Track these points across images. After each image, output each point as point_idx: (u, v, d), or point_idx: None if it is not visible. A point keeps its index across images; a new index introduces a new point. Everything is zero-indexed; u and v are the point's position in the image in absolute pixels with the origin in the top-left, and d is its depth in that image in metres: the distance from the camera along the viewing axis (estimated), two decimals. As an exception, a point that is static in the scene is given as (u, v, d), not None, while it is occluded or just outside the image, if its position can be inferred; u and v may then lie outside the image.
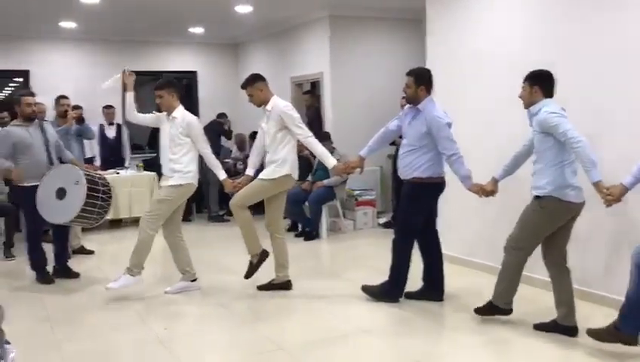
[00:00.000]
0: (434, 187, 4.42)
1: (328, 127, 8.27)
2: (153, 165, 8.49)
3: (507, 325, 3.97)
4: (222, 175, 5.00)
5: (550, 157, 3.65)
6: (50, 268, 5.49)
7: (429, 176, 4.34)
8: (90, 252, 6.57)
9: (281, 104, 4.78)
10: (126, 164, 8.76)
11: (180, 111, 4.91)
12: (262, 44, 10.30)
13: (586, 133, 3.55)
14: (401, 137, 4.61)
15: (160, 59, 10.57)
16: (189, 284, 5.00)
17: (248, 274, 4.89)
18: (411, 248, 4.49)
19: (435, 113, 4.29)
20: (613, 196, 3.37)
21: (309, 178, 7.37)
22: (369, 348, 3.79)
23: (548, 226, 3.76)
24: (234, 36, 10.60)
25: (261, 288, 4.93)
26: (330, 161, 4.74)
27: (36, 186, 5.07)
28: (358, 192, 7.77)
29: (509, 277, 3.88)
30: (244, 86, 4.88)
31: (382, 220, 7.89)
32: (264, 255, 4.91)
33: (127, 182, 8.07)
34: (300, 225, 7.48)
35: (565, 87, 4.02)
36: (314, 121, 8.39)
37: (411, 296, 4.59)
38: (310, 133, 4.77)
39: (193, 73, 10.81)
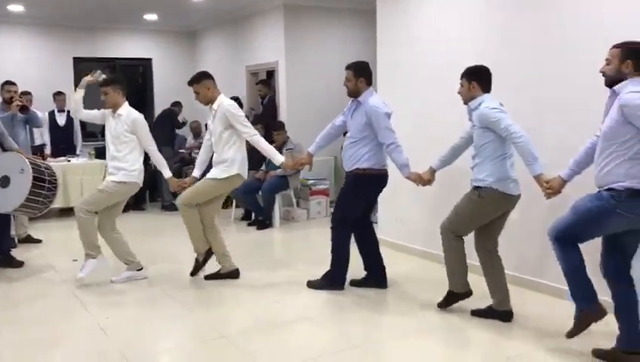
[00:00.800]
0: (375, 178, 4.48)
1: (283, 116, 8.28)
2: (104, 153, 8.38)
3: (446, 311, 4.08)
4: (167, 173, 4.97)
5: (490, 151, 3.74)
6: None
7: (369, 167, 4.40)
8: (38, 241, 6.46)
9: (226, 102, 4.76)
10: (77, 152, 8.61)
11: (126, 108, 4.86)
12: (218, 33, 10.23)
13: (527, 124, 3.67)
14: (346, 133, 4.67)
15: (114, 46, 10.41)
16: (135, 273, 4.97)
17: (194, 272, 4.97)
18: (350, 236, 4.57)
19: (373, 103, 4.37)
20: (552, 189, 3.46)
21: (263, 167, 7.38)
22: (311, 334, 3.84)
23: (484, 216, 3.85)
24: (190, 24, 10.49)
25: (208, 277, 4.94)
26: (278, 158, 4.76)
27: None
28: (311, 182, 7.82)
29: (454, 262, 3.96)
30: (190, 83, 4.84)
31: (335, 209, 7.95)
32: (209, 254, 4.95)
33: (79, 169, 7.95)
34: (253, 214, 7.49)
35: (508, 78, 4.13)
36: (269, 110, 8.39)
37: (356, 283, 4.67)
38: (255, 132, 4.75)
39: (148, 60, 10.68)
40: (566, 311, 3.53)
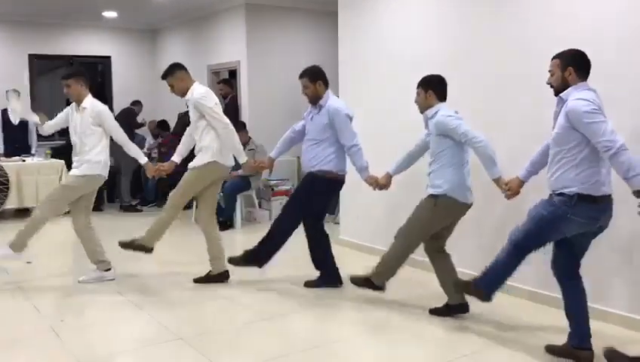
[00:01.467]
0: (334, 182, 4.52)
1: (245, 116, 8.23)
2: (62, 153, 8.19)
3: (400, 309, 4.13)
4: (143, 159, 4.88)
5: (448, 157, 3.80)
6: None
7: (330, 170, 4.43)
8: None
9: (197, 92, 4.65)
10: (32, 151, 8.40)
11: (89, 101, 4.77)
12: (179, 31, 10.11)
13: (488, 127, 3.77)
14: None
15: (72, 43, 10.18)
16: (104, 274, 4.87)
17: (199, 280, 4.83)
18: (292, 231, 4.58)
19: (335, 105, 4.40)
20: (512, 190, 3.54)
21: (224, 167, 7.31)
22: (268, 335, 3.83)
23: (438, 223, 3.92)
24: (150, 22, 10.34)
25: (198, 281, 4.82)
26: (242, 157, 4.70)
27: None
28: (274, 182, 7.78)
29: (392, 263, 4.02)
30: (164, 76, 4.76)
31: (297, 210, 7.94)
32: (148, 250, 4.76)
33: (34, 169, 7.75)
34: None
35: (466, 85, 4.20)
36: (230, 110, 8.32)
37: (311, 284, 4.68)
38: (226, 123, 4.60)
39: (107, 58, 10.47)
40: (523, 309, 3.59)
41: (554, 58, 3.20)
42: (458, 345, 3.60)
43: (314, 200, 4.55)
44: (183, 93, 4.73)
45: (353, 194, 5.19)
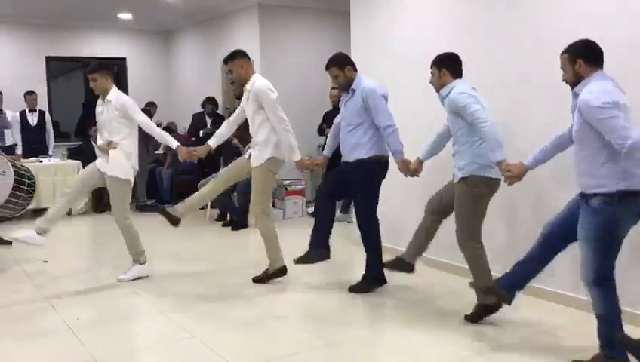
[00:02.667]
0: (384, 163, 4.36)
1: (258, 116, 8.24)
2: (79, 153, 8.29)
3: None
4: (174, 143, 4.79)
5: (466, 136, 3.71)
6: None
7: (375, 155, 4.29)
8: (7, 242, 6.35)
9: (260, 83, 4.55)
10: (50, 152, 8.50)
11: (114, 93, 4.77)
12: (192, 32, 10.17)
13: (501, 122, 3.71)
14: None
15: (88, 45, 10.29)
16: (142, 269, 4.93)
17: (258, 280, 4.78)
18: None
19: (368, 85, 4.26)
20: (512, 173, 3.38)
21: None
22: (282, 334, 3.85)
23: (483, 206, 3.79)
24: (164, 23, 10.42)
25: (256, 280, 4.79)
26: (297, 155, 4.55)
27: None
28: (287, 182, 7.80)
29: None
30: (225, 60, 4.76)
31: (311, 209, 7.95)
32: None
33: (51, 170, 7.85)
34: (228, 215, 7.45)
35: (479, 77, 4.18)
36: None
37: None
38: (285, 120, 4.50)
39: (122, 60, 10.57)
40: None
41: (562, 53, 3.10)
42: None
43: (370, 189, 4.37)
44: (241, 81, 4.70)
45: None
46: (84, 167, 8.08)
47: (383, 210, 4.53)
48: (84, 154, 8.21)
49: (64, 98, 10.81)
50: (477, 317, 3.80)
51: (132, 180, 4.79)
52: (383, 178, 4.46)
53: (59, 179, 7.74)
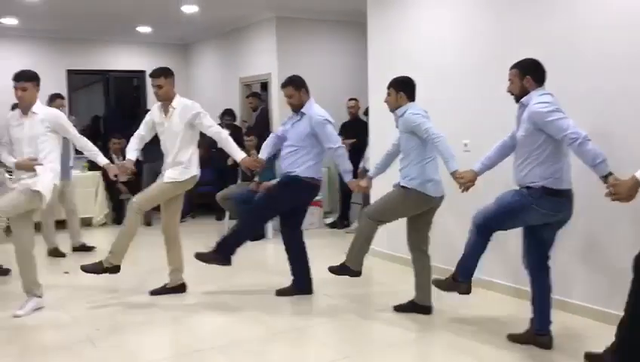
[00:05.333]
0: (311, 187, 4.67)
1: (276, 127, 8.29)
2: (98, 165, 8.35)
3: (369, 308, 4.20)
4: (102, 161, 4.61)
5: (414, 155, 4.05)
6: None
7: (308, 176, 4.58)
8: (91, 248, 6.53)
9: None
10: (70, 164, 8.58)
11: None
12: (211, 45, 10.28)
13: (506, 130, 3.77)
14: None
15: (107, 58, 10.45)
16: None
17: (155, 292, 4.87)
18: (255, 227, 4.81)
19: (319, 113, 4.59)
20: (465, 178, 3.74)
21: (256, 178, 7.39)
22: (300, 346, 3.83)
23: (406, 212, 4.18)
24: (182, 36, 10.54)
25: (154, 293, 4.87)
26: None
27: None
28: (304, 193, 7.81)
29: (362, 243, 4.21)
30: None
31: (328, 220, 7.97)
32: (116, 270, 4.65)
33: (72, 182, 7.92)
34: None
35: (492, 87, 4.18)
36: (261, 122, 8.42)
37: (282, 292, 4.80)
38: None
39: (142, 73, 10.70)
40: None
41: (512, 68, 3.51)
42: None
43: (286, 200, 4.65)
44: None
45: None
46: (104, 178, 8.21)
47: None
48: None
49: (84, 110, 10.96)
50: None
51: None
52: (310, 200, 4.85)
53: (80, 191, 7.80)
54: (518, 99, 3.51)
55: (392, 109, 4.20)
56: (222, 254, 4.61)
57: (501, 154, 3.76)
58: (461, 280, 3.70)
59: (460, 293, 3.73)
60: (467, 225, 3.70)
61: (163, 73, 4.65)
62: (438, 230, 4.43)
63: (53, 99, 6.41)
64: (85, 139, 4.62)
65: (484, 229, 3.58)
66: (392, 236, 5.53)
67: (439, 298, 4.30)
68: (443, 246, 4.69)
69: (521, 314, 3.87)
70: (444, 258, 4.54)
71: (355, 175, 6.37)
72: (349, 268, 4.26)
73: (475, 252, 3.64)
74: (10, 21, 8.69)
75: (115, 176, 4.69)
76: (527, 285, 3.73)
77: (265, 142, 4.91)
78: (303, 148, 4.56)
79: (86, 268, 4.63)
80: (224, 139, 4.69)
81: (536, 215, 3.43)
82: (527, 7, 4.46)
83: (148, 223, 7.92)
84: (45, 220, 6.31)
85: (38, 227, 5.23)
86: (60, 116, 4.53)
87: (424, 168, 4.05)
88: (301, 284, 4.82)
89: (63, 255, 6.35)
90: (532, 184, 3.40)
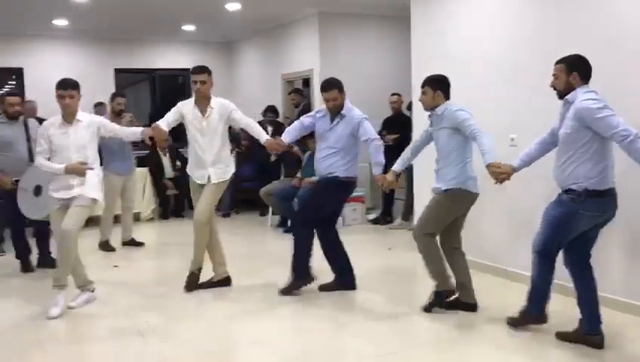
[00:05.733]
0: (349, 185, 4.72)
1: (318, 123, 8.31)
2: (146, 162, 8.53)
3: (413, 305, 4.16)
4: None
5: (455, 156, 4.03)
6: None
7: (349, 176, 4.63)
8: (141, 244, 6.72)
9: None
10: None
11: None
12: (253, 42, 10.37)
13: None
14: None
15: (153, 57, 10.66)
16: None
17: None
18: (311, 235, 4.70)
19: (359, 113, 4.63)
20: (501, 169, 3.69)
21: (299, 174, 7.43)
22: (342, 339, 3.85)
23: (453, 214, 4.13)
24: (226, 34, 10.66)
25: (200, 286, 4.91)
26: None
27: (17, 181, 5.14)
28: (347, 189, 7.81)
29: (433, 261, 4.15)
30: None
31: (371, 216, 7.96)
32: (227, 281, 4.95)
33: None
34: (289, 221, 7.53)
35: (540, 82, 4.09)
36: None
37: (326, 287, 4.79)
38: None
39: (187, 71, 10.85)
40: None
41: (558, 63, 3.44)
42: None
43: (328, 201, 4.70)
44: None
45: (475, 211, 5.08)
46: (152, 175, 8.39)
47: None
48: (152, 162, 8.49)
49: (131, 109, 11.17)
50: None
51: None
52: (346, 198, 4.90)
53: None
54: (561, 95, 3.44)
55: (428, 108, 4.16)
56: (300, 275, 4.69)
57: (541, 150, 3.71)
58: (535, 313, 3.68)
59: (541, 324, 3.71)
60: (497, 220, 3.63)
61: (206, 70, 4.77)
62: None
63: (114, 98, 6.67)
64: (126, 128, 4.88)
65: (546, 254, 3.53)
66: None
67: (483, 296, 4.25)
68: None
69: (568, 310, 3.79)
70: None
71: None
72: (441, 292, 4.18)
73: (543, 284, 3.59)
74: (61, 22, 8.96)
75: (151, 138, 4.75)
76: (570, 281, 3.64)
77: (289, 127, 4.94)
78: (342, 150, 4.58)
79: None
80: (251, 124, 4.81)
81: (585, 219, 3.37)
82: (575, 2, 4.34)
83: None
84: (106, 214, 6.56)
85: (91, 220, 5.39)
86: (102, 119, 4.72)
87: (464, 168, 4.04)
88: (344, 279, 4.82)
89: (112, 249, 6.53)
90: (575, 186, 3.33)
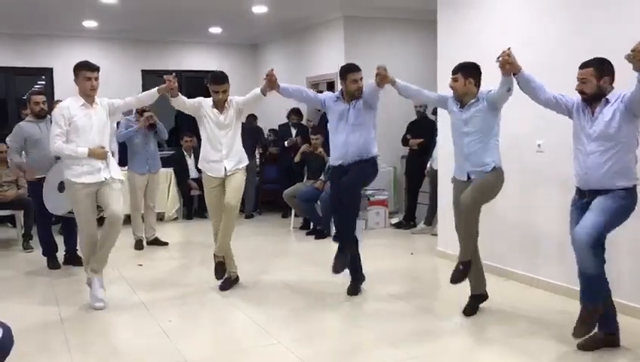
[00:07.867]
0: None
1: (342, 126, 8.31)
2: (171, 162, 8.61)
3: (436, 309, 4.04)
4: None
5: (494, 140, 4.03)
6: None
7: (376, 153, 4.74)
8: (165, 243, 6.81)
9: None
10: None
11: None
12: (279, 45, 10.41)
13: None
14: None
15: (180, 59, 10.75)
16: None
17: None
18: (358, 204, 4.83)
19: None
20: (511, 58, 3.64)
21: (322, 177, 7.44)
22: (367, 337, 3.86)
23: (496, 192, 4.11)
24: (252, 36, 10.73)
25: (222, 288, 4.95)
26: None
27: (44, 178, 5.27)
28: (370, 192, 7.79)
29: (474, 235, 4.12)
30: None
31: (394, 220, 7.93)
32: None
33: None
34: (311, 224, 7.55)
35: (564, 77, 4.06)
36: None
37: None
38: None
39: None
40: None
41: (585, 67, 3.36)
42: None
43: (369, 177, 4.79)
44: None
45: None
46: (176, 174, 8.48)
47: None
48: (177, 162, 8.57)
49: (157, 109, 11.28)
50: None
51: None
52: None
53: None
54: (590, 99, 3.39)
55: (459, 95, 4.09)
56: (346, 245, 4.62)
57: (539, 90, 3.65)
58: (595, 307, 3.43)
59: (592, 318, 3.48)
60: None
61: (226, 79, 4.87)
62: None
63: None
64: (140, 95, 4.98)
65: (599, 245, 3.35)
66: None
67: (499, 300, 4.20)
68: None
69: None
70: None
71: (423, 174, 6.52)
72: (467, 262, 4.10)
73: (599, 276, 3.37)
74: (91, 24, 9.10)
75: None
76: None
77: (297, 87, 5.02)
78: (365, 125, 4.64)
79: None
80: (248, 96, 4.91)
81: (629, 215, 3.38)
82: (603, 3, 4.29)
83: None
84: (134, 214, 6.70)
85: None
86: (110, 99, 4.73)
87: (498, 149, 4.06)
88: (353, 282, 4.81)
89: (142, 247, 6.66)
90: (629, 183, 3.33)
